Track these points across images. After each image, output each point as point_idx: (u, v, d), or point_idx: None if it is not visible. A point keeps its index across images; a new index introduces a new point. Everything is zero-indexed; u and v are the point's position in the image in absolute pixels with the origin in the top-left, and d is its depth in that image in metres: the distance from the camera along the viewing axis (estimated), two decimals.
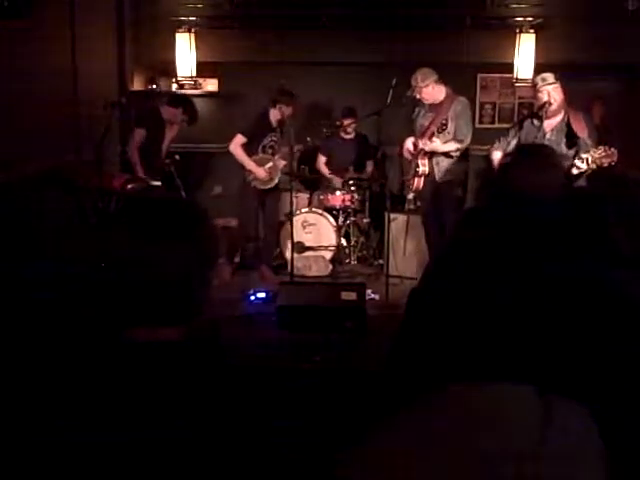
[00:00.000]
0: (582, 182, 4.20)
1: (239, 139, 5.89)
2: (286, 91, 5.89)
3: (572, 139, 4.25)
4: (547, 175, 2.03)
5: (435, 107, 5.37)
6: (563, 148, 4.38)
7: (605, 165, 4.05)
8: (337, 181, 6.53)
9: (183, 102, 6.07)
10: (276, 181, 6.01)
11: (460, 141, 5.26)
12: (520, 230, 1.38)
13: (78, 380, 1.13)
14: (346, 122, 6.41)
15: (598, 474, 1.09)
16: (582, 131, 4.31)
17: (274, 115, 5.93)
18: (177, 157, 6.12)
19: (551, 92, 4.46)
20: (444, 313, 1.11)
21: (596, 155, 4.01)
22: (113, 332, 1.17)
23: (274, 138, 6.01)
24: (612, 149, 4.06)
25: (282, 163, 5.99)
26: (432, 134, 5.32)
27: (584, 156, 4.04)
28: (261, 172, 5.92)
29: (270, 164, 5.97)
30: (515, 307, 1.09)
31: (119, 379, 1.12)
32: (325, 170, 6.76)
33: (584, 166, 4.04)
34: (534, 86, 4.61)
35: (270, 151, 6.00)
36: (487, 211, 1.96)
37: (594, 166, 4.04)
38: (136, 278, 1.16)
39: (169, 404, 1.10)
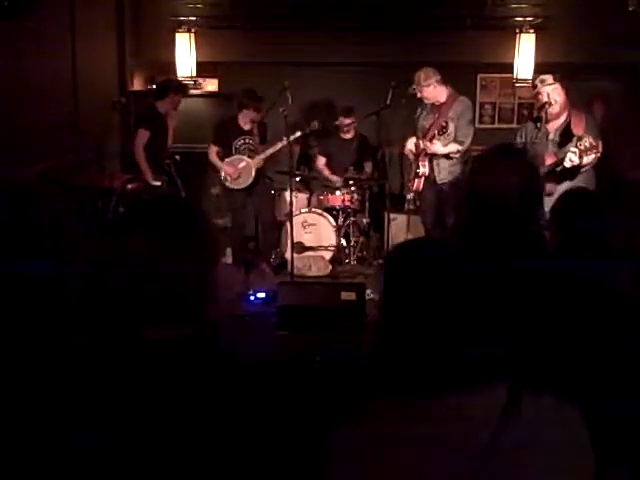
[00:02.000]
0: (582, 178, 4.21)
1: (212, 149, 6.07)
2: (253, 95, 5.85)
3: (570, 138, 4.24)
4: (502, 176, 2.01)
5: (437, 108, 5.36)
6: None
7: (591, 159, 4.05)
8: (337, 181, 6.53)
9: (167, 87, 5.95)
10: (249, 181, 6.00)
11: (461, 142, 5.25)
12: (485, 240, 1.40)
13: (87, 378, 1.14)
14: (345, 122, 6.40)
15: (582, 468, 1.10)
16: (579, 130, 4.31)
17: (243, 119, 5.94)
18: (177, 157, 6.12)
19: (550, 93, 4.45)
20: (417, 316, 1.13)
21: (582, 147, 4.01)
22: (116, 331, 1.17)
23: (248, 140, 6.02)
24: (598, 141, 4.06)
25: (257, 163, 6.00)
26: (433, 136, 5.32)
27: (573, 149, 4.04)
28: (227, 169, 5.96)
29: (243, 164, 5.98)
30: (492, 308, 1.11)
31: (125, 377, 1.12)
32: (325, 170, 6.75)
33: (576, 159, 4.03)
34: (534, 87, 4.60)
35: (247, 153, 6.00)
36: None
37: (585, 159, 4.04)
38: (137, 278, 1.16)
39: (173, 404, 1.11)
